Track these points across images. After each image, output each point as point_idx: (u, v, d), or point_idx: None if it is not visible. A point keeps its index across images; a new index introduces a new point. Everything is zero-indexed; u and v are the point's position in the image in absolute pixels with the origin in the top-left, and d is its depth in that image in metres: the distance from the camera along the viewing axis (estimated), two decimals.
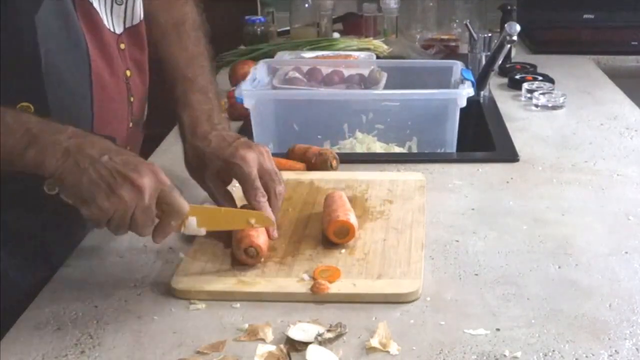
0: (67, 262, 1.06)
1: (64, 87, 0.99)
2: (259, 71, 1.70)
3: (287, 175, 1.20)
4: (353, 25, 2.55)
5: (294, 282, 0.98)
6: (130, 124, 1.13)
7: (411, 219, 1.15)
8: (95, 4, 1.03)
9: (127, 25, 1.10)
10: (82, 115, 1.02)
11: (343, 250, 1.05)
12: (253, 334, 0.88)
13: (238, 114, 1.65)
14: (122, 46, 1.09)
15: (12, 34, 0.94)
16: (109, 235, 1.12)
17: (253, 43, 2.36)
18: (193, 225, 0.96)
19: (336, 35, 2.44)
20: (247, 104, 1.51)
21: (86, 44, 1.01)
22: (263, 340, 0.87)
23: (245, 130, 1.59)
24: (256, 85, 1.63)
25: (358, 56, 2.00)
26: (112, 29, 1.07)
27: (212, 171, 1.07)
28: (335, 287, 0.96)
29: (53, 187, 0.88)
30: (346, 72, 1.77)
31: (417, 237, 1.09)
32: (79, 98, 1.02)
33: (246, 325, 0.89)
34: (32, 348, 0.87)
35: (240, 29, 2.43)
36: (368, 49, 2.18)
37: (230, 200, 1.09)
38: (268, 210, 1.03)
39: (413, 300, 0.95)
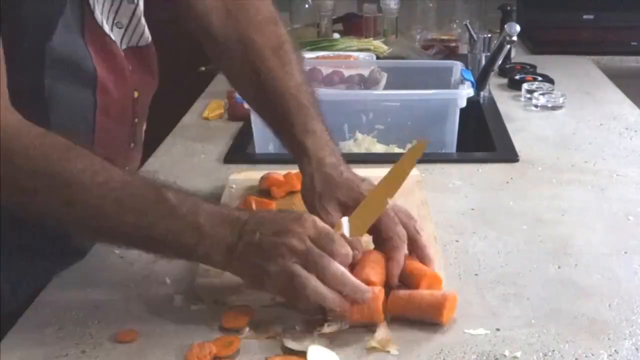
0: (67, 262, 1.06)
1: (66, 113, 0.97)
2: None
3: None
4: (353, 25, 2.55)
5: None
6: (132, 144, 1.12)
7: (417, 213, 1.15)
8: (104, 26, 1.01)
9: (130, 44, 1.07)
10: (82, 140, 0.96)
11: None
12: (263, 332, 0.88)
13: (238, 114, 1.65)
14: (130, 66, 1.06)
15: (20, 60, 0.91)
16: None
17: None
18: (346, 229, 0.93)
19: (336, 35, 2.44)
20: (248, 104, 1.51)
21: (94, 67, 0.98)
22: (274, 338, 0.86)
23: (245, 131, 1.59)
24: None
25: (358, 56, 2.01)
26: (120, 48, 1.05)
27: (340, 200, 1.01)
28: None
29: None
30: (346, 73, 1.77)
31: (428, 231, 1.09)
32: (81, 124, 1.00)
33: (247, 329, 0.89)
34: (32, 348, 0.87)
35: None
36: (368, 50, 2.18)
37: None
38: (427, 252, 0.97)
39: None
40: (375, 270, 0.90)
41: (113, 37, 1.02)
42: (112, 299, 0.96)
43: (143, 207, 0.87)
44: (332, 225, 0.92)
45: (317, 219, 0.89)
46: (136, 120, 1.11)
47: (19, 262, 1.02)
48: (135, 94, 1.08)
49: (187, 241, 0.87)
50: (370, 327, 0.88)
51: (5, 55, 0.87)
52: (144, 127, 1.17)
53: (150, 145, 1.39)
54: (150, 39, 1.11)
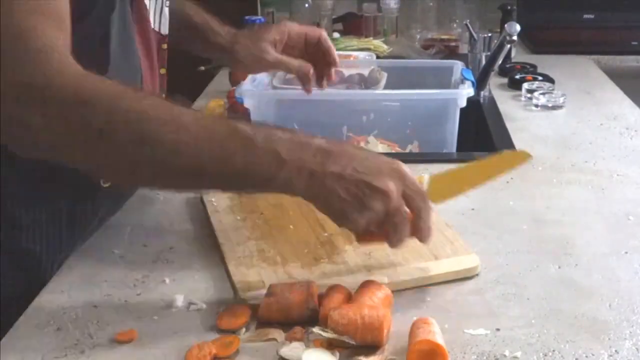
0: (67, 262, 1.06)
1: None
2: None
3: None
4: (353, 25, 2.55)
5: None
6: None
7: None
8: (148, 3, 1.08)
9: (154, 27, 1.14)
10: None
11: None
12: (263, 334, 0.87)
13: (238, 113, 1.65)
14: (164, 46, 1.14)
15: (88, 35, 0.94)
16: (110, 235, 1.13)
17: None
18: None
19: (336, 35, 2.44)
20: (248, 104, 1.51)
21: (135, 41, 1.05)
22: (275, 340, 0.86)
23: None
24: (256, 85, 1.63)
25: (358, 56, 2.00)
26: (157, 29, 1.13)
27: (270, 40, 1.30)
28: (405, 274, 0.98)
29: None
30: (346, 72, 1.77)
31: (435, 218, 1.10)
32: None
33: (244, 330, 0.89)
34: (31, 348, 0.86)
35: (241, 29, 2.43)
36: (368, 49, 2.18)
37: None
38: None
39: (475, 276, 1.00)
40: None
41: (154, 16, 1.11)
42: (112, 299, 0.96)
43: (219, 138, 0.84)
44: None
45: (409, 171, 0.89)
46: (163, 95, 1.15)
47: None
48: (162, 71, 1.16)
49: (267, 169, 0.84)
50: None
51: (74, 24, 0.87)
52: None
53: None
54: (167, 32, 1.17)
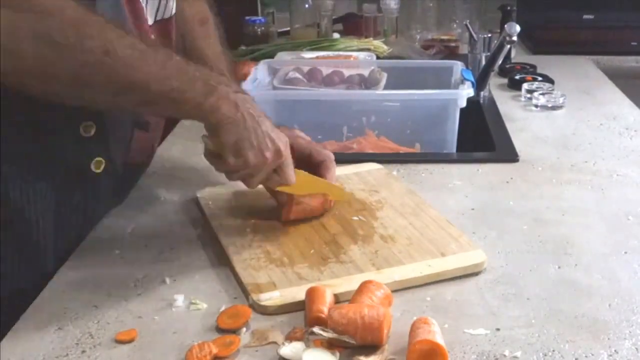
0: (67, 261, 1.06)
1: None
2: (259, 71, 1.70)
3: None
4: (353, 25, 2.55)
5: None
6: None
7: (412, 202, 1.19)
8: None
9: (157, 18, 1.14)
10: None
11: (381, 242, 1.07)
12: (263, 338, 0.87)
13: None
14: (152, 37, 1.14)
15: None
16: (110, 235, 1.13)
17: (253, 43, 2.36)
18: None
19: (336, 35, 2.44)
20: None
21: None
22: (275, 343, 0.86)
23: None
24: (257, 85, 1.63)
25: (358, 56, 2.00)
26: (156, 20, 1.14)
27: None
28: (414, 271, 0.99)
29: (90, 130, 1.05)
30: (346, 73, 1.77)
31: (436, 216, 1.14)
32: None
33: (244, 330, 0.89)
34: (32, 348, 0.87)
35: (241, 30, 2.43)
36: (368, 50, 2.18)
37: None
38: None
39: (480, 272, 1.01)
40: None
41: (146, 9, 1.10)
42: (112, 299, 0.96)
43: (161, 60, 0.95)
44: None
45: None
46: None
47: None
48: None
49: (200, 92, 0.96)
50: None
51: None
52: None
53: None
54: (174, 10, 1.18)
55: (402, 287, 0.97)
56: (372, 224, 1.13)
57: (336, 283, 0.95)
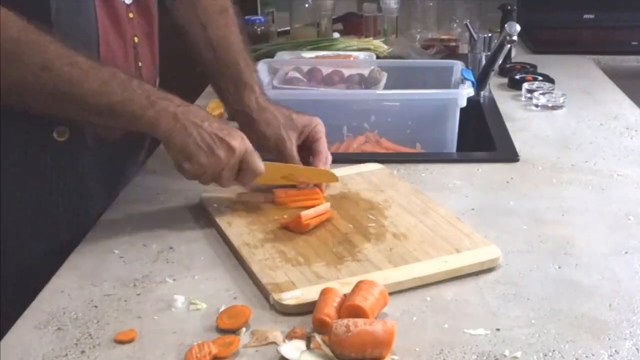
0: (67, 261, 1.06)
1: (72, 45, 1.04)
2: (259, 71, 1.70)
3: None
4: (353, 25, 2.55)
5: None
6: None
7: (419, 200, 1.19)
8: None
9: None
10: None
11: (395, 240, 1.07)
12: (262, 338, 0.87)
13: None
14: (131, 15, 1.18)
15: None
16: (110, 235, 1.13)
17: (253, 43, 2.35)
18: None
19: (336, 35, 2.44)
20: None
21: (94, 8, 1.10)
22: (275, 343, 0.86)
23: None
24: None
25: (358, 56, 2.00)
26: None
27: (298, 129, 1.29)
28: (432, 268, 0.99)
29: (63, 134, 1.12)
30: (346, 72, 1.77)
31: (445, 213, 1.14)
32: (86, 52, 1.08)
33: (244, 330, 0.89)
34: (32, 348, 0.87)
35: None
36: (368, 49, 2.18)
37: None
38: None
39: (494, 268, 1.02)
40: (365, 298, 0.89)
41: None
42: (112, 299, 0.96)
43: (102, 76, 1.03)
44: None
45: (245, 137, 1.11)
46: (140, 64, 1.21)
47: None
48: (136, 39, 1.21)
49: (138, 107, 1.04)
50: None
51: None
52: (157, 80, 1.31)
53: (151, 145, 1.39)
54: (131, 1, 1.20)
55: (423, 284, 0.97)
56: (383, 222, 1.13)
57: (355, 281, 0.94)
